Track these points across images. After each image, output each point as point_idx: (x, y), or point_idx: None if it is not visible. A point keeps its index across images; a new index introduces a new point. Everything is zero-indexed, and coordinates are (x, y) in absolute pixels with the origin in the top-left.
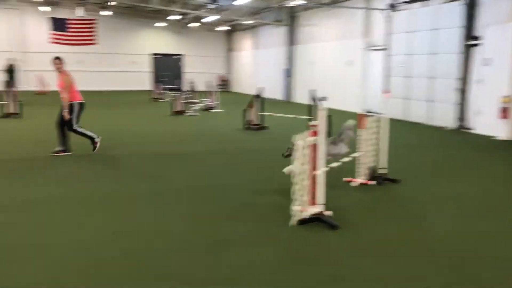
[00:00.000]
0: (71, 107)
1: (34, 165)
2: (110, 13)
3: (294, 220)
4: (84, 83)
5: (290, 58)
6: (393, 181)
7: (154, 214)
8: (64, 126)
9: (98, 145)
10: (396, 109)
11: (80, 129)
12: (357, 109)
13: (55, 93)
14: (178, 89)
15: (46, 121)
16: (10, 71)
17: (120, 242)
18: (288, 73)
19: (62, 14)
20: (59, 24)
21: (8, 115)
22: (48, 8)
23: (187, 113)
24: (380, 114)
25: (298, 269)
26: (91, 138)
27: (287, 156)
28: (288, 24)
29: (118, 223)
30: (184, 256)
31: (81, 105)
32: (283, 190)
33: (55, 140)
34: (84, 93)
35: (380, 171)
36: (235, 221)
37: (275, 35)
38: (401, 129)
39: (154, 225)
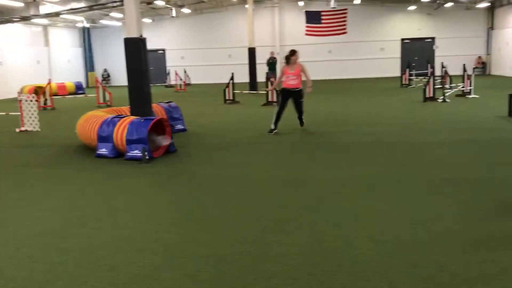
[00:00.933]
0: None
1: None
2: (359, 1)
3: None
4: (333, 71)
5: None
6: None
7: (432, 203)
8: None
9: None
10: None
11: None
12: None
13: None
14: (429, 74)
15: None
16: (272, 63)
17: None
18: None
19: (317, 7)
20: (314, 17)
21: (269, 103)
22: (303, 3)
23: (439, 99)
24: None
25: None
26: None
27: None
28: None
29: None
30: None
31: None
32: None
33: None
34: (334, 81)
35: None
36: (501, 219)
37: None
38: None
39: (425, 215)
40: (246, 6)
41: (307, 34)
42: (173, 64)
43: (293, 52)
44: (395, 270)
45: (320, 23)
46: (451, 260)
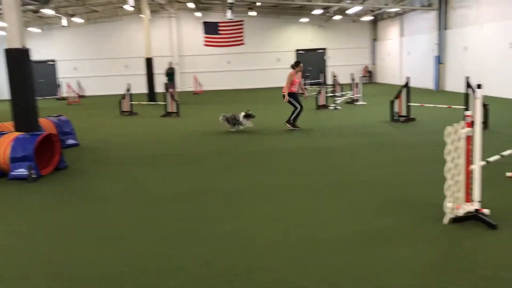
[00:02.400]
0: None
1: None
2: (255, 13)
3: (447, 218)
4: (233, 81)
5: (441, 44)
6: None
7: (327, 206)
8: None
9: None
10: None
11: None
12: None
13: (207, 93)
14: (321, 83)
15: (201, 118)
16: (171, 74)
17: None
18: (439, 60)
19: (213, 18)
20: (212, 28)
21: (168, 114)
22: (200, 14)
23: (330, 107)
24: None
25: (450, 269)
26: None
27: None
28: (438, 7)
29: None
30: (330, 251)
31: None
32: (436, 185)
33: (209, 134)
34: (234, 91)
35: None
36: (387, 217)
37: (423, 20)
38: None
39: (320, 217)
40: (142, 15)
41: (206, 45)
42: (65, 75)
43: (299, 63)
44: (290, 274)
45: (218, 34)
46: (342, 259)
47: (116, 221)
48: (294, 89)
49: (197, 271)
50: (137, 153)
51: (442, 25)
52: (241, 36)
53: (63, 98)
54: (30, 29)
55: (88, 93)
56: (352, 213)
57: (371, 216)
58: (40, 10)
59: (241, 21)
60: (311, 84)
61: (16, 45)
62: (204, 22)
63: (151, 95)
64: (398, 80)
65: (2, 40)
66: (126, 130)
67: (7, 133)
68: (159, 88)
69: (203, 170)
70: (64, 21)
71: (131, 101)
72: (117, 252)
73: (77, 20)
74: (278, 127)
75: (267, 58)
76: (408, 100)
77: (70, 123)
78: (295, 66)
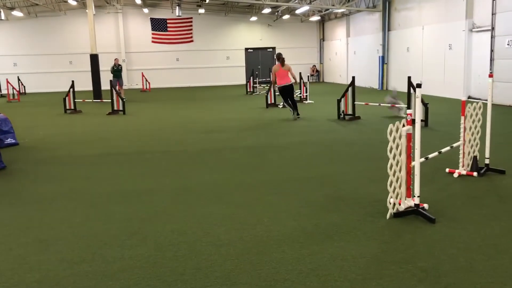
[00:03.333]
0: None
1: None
2: (203, 11)
3: (389, 212)
4: (181, 79)
5: (385, 45)
6: (498, 172)
7: (274, 203)
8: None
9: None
10: (503, 95)
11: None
12: (459, 96)
13: (155, 91)
14: (270, 82)
15: (148, 116)
16: (117, 71)
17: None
18: (383, 61)
19: (161, 14)
20: (160, 24)
21: (114, 112)
22: (147, 10)
23: (279, 105)
24: (483, 100)
25: (391, 262)
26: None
27: None
28: (382, 9)
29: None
30: (276, 247)
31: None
32: (380, 181)
33: (152, 134)
34: (182, 89)
35: (484, 161)
36: (332, 213)
37: (369, 21)
38: (509, 116)
39: (266, 215)
40: (87, 10)
41: (153, 41)
42: (4, 71)
43: (279, 55)
44: (236, 272)
45: (166, 30)
46: (287, 255)
47: (58, 222)
48: (283, 81)
49: (141, 272)
50: (82, 152)
51: (386, 26)
52: (190, 33)
53: (2, 95)
54: None
55: (29, 90)
56: (298, 209)
57: (317, 212)
58: None
59: (190, 18)
60: (259, 83)
61: None
62: (152, 18)
63: (97, 92)
64: (345, 80)
65: None
66: (70, 129)
67: None
68: (105, 85)
69: (150, 168)
70: (1, 14)
71: (75, 98)
72: (57, 255)
73: (16, 13)
74: (227, 125)
75: (217, 56)
76: (353, 99)
77: (9, 121)
78: (276, 59)
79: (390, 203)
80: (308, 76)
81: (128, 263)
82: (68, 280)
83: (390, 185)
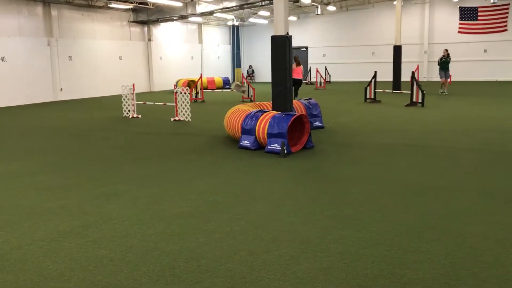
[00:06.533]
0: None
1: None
2: None
3: None
4: (489, 72)
5: None
6: None
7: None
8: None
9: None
10: None
11: None
12: None
13: (458, 84)
14: None
15: (447, 111)
16: (444, 62)
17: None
18: None
19: (472, 2)
20: (469, 13)
21: (413, 104)
22: None
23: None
24: None
25: None
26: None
27: None
28: None
29: None
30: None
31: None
32: None
33: (450, 129)
34: (487, 83)
35: None
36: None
37: None
38: None
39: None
40: (394, 2)
41: (460, 32)
42: (315, 61)
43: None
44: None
45: (476, 20)
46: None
47: (356, 203)
48: (296, 76)
49: (439, 267)
50: (379, 140)
51: None
52: (505, 21)
53: (310, 83)
54: (288, 18)
55: (334, 79)
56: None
57: None
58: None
59: (507, 4)
60: None
61: (281, 32)
62: (461, 7)
63: (396, 83)
64: None
65: (261, 28)
66: (369, 117)
67: (267, 111)
68: (405, 76)
69: (448, 164)
70: (318, 9)
71: (375, 88)
72: (357, 234)
73: (330, 8)
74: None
75: None
76: None
77: (318, 107)
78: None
79: None
80: None
81: (425, 256)
82: (367, 260)
83: None
